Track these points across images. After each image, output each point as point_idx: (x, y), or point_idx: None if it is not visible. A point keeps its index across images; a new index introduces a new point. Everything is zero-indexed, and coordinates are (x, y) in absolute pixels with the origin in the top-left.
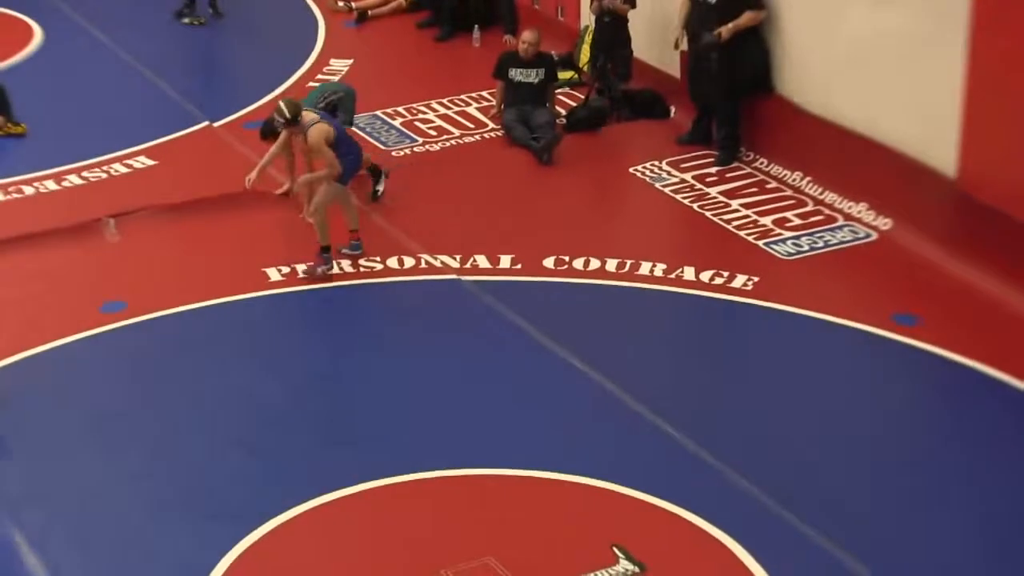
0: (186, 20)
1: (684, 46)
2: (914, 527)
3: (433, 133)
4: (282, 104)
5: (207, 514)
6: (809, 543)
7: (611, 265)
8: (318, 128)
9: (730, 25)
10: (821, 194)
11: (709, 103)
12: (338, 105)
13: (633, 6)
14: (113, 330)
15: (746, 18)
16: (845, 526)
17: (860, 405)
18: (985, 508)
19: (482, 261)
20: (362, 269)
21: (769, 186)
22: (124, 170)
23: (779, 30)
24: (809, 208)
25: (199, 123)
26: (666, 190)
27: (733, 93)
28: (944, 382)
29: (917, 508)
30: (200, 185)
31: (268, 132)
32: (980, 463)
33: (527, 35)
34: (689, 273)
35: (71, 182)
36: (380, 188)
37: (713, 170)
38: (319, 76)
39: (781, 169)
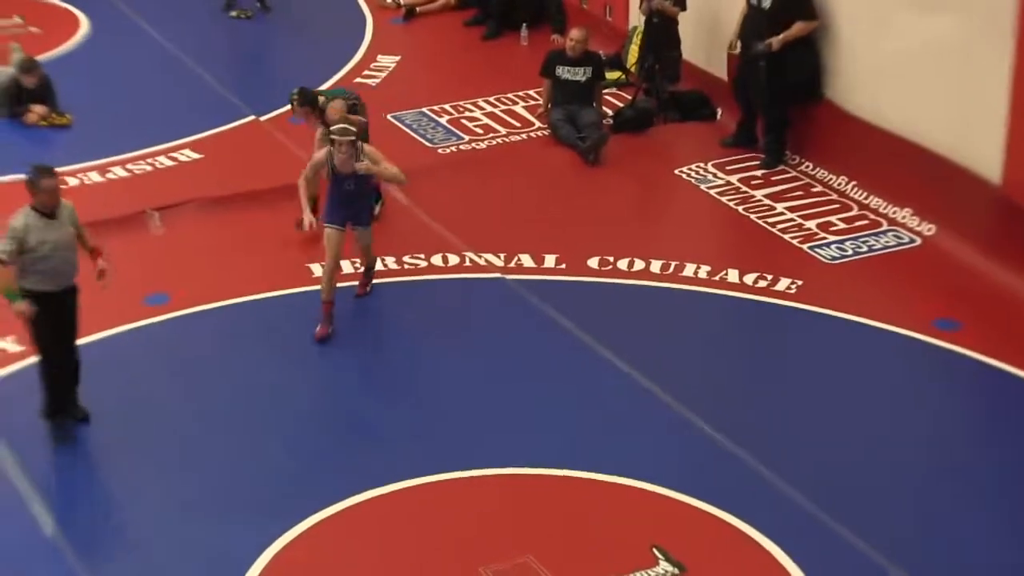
0: (233, 13)
1: (737, 50)
2: (953, 533)
3: (480, 131)
4: (346, 125)
5: (243, 510)
6: (848, 547)
7: (655, 266)
8: (371, 147)
9: (781, 36)
10: (866, 199)
11: (755, 108)
12: (358, 111)
13: (683, 8)
14: (155, 323)
15: (797, 28)
16: (884, 531)
17: (901, 410)
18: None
19: (526, 260)
20: (406, 267)
21: (814, 190)
22: (169, 163)
23: (829, 37)
24: (854, 212)
25: (245, 117)
26: (711, 192)
27: (781, 100)
28: (984, 388)
29: (956, 514)
30: (245, 179)
31: (307, 100)
32: (1020, 470)
33: (575, 33)
34: (733, 275)
35: (116, 174)
36: (377, 210)
37: (759, 173)
38: (366, 72)
39: (827, 173)
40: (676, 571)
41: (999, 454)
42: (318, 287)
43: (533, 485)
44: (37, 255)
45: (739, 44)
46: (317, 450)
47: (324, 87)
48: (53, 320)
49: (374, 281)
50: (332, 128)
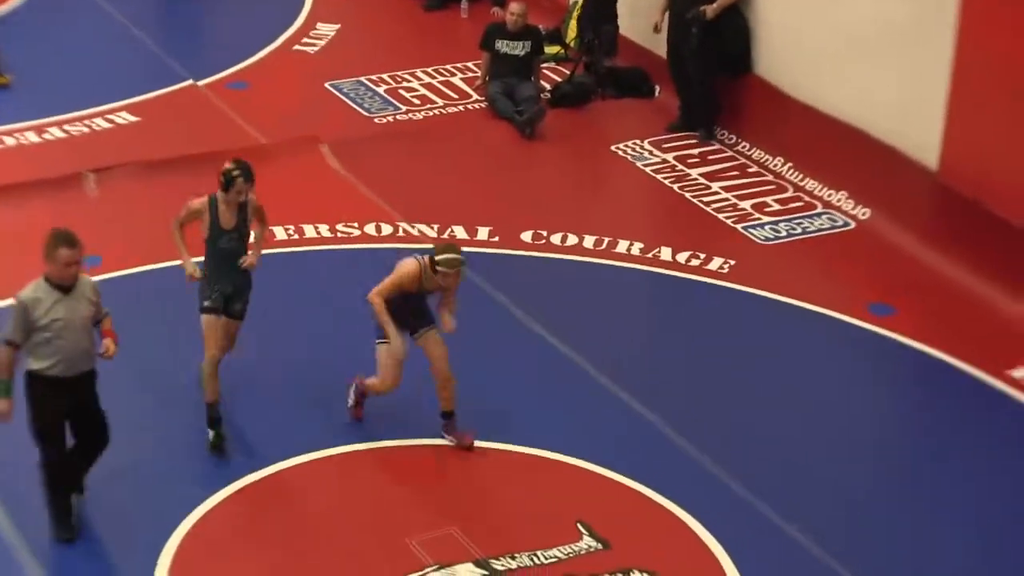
0: None
1: (664, 29)
2: (880, 518)
3: (416, 102)
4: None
5: (169, 476)
6: (773, 527)
7: (588, 242)
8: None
9: (715, 4)
10: (801, 180)
11: (688, 83)
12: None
13: None
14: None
15: None
16: (810, 513)
17: (832, 393)
18: (954, 497)
19: (459, 232)
20: (339, 235)
21: (750, 170)
22: (106, 125)
23: (766, 11)
24: (789, 194)
25: (183, 81)
26: (647, 169)
27: (713, 71)
28: (917, 373)
29: (884, 499)
30: (181, 143)
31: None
32: (951, 454)
33: (515, 7)
34: (666, 253)
35: (52, 135)
36: None
37: (695, 152)
38: (304, 40)
39: (763, 153)
40: (600, 546)
41: (929, 439)
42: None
43: (459, 457)
44: (45, 334)
45: (666, 18)
46: (246, 416)
47: (263, 53)
48: (59, 408)
49: (303, 248)
50: None
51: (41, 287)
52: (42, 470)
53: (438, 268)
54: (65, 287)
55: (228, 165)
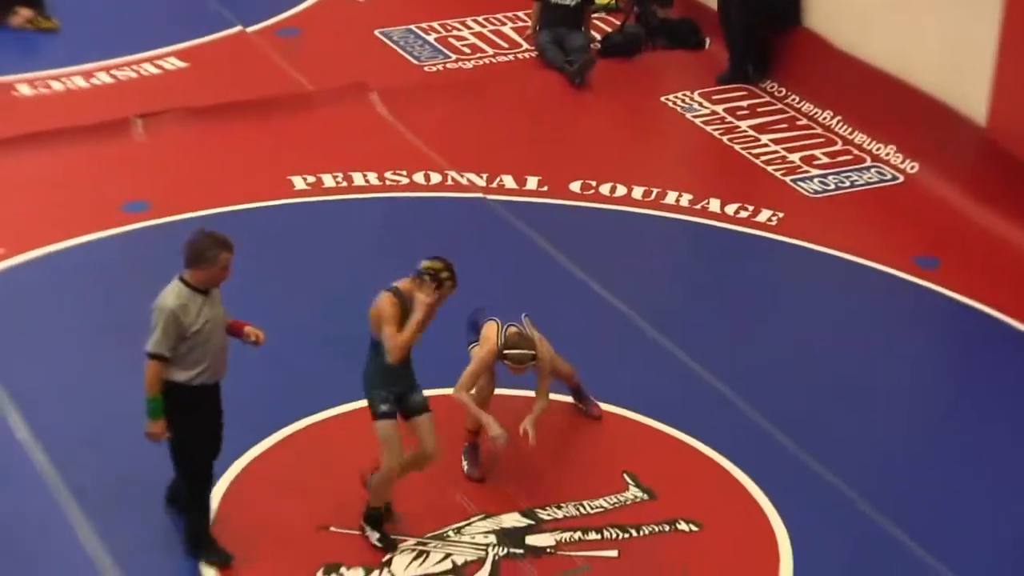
0: None
1: None
2: (922, 471)
3: (467, 51)
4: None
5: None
6: (818, 479)
7: (637, 192)
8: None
9: None
10: (850, 134)
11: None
12: None
13: None
14: (135, 230)
15: None
16: (854, 465)
17: (877, 345)
18: (996, 453)
19: (508, 181)
20: (388, 183)
21: (799, 123)
22: (154, 71)
23: None
24: (838, 147)
25: (232, 27)
26: (696, 121)
27: (753, 19)
28: (961, 326)
29: (927, 452)
30: (229, 90)
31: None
32: (991, 409)
33: None
34: (714, 205)
35: (100, 80)
36: None
37: (745, 104)
38: None
39: (812, 107)
40: (645, 497)
41: (972, 393)
42: (299, 200)
43: (507, 407)
44: (191, 342)
45: None
46: (294, 365)
47: (313, 0)
48: (207, 420)
49: (353, 196)
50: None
51: (183, 292)
52: (189, 491)
53: (505, 360)
54: (204, 289)
55: (438, 265)
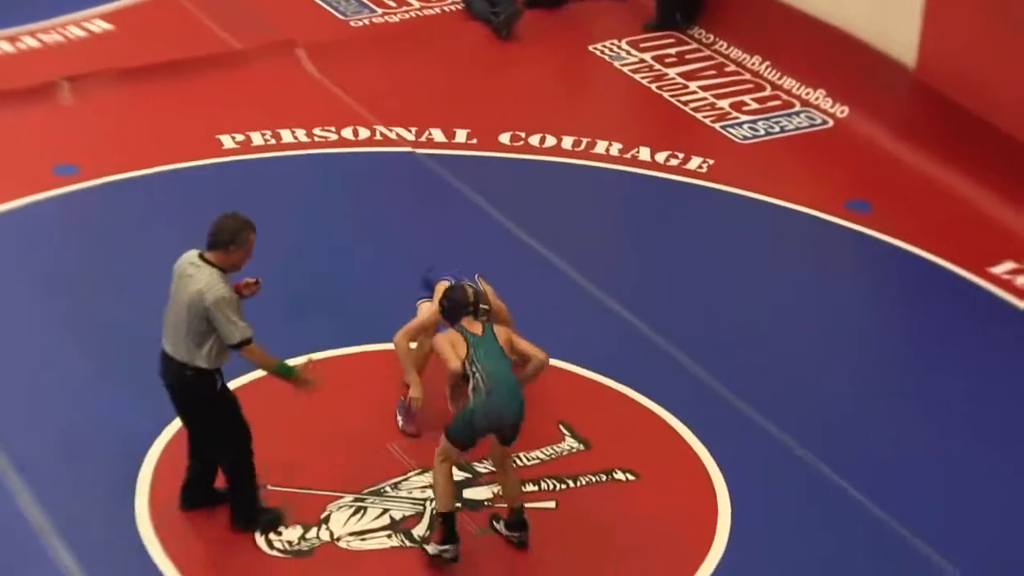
0: None
1: None
2: (863, 415)
3: (392, 4)
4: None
5: (157, 381)
6: (756, 427)
7: (567, 142)
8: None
9: None
10: (779, 79)
11: None
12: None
13: None
14: (65, 194)
15: None
16: (792, 412)
17: (809, 290)
18: (934, 396)
19: (437, 135)
20: (316, 139)
21: (728, 69)
22: (81, 33)
23: None
24: (767, 93)
25: None
26: (625, 69)
27: None
28: (893, 271)
29: (866, 397)
30: (156, 50)
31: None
32: (928, 353)
33: None
34: (645, 153)
35: (26, 44)
36: None
37: (672, 51)
38: None
39: (741, 53)
40: (582, 447)
41: (908, 337)
42: (227, 159)
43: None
44: None
45: None
46: None
47: None
48: (235, 401)
49: (281, 153)
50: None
51: (221, 275)
52: (244, 470)
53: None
54: (227, 270)
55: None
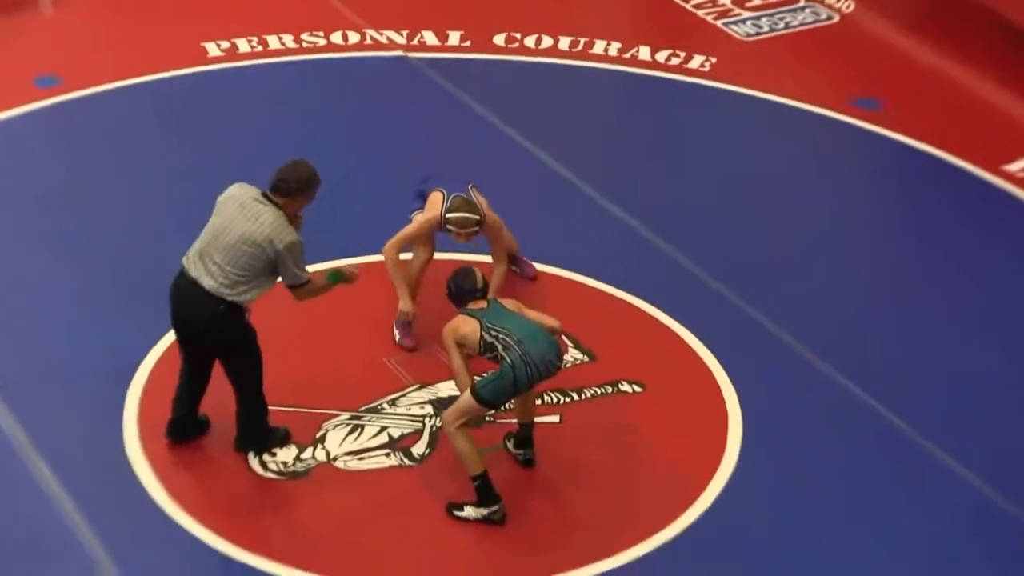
0: None
1: None
2: (874, 318)
3: None
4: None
5: (139, 301)
6: (767, 334)
7: (564, 43)
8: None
9: None
10: None
11: None
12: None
13: None
14: (47, 106)
15: None
16: (802, 318)
17: (817, 189)
18: (949, 297)
19: (429, 37)
20: (304, 44)
21: None
22: None
23: None
24: None
25: None
26: None
27: None
28: (902, 168)
29: (877, 299)
30: None
31: None
32: (941, 252)
33: None
34: (644, 53)
35: None
36: None
37: None
38: None
39: None
40: (586, 359)
41: (920, 236)
42: (213, 67)
43: (440, 268)
44: None
45: None
46: None
47: None
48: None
49: (270, 60)
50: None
51: (287, 219)
52: (259, 397)
53: (448, 225)
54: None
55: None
